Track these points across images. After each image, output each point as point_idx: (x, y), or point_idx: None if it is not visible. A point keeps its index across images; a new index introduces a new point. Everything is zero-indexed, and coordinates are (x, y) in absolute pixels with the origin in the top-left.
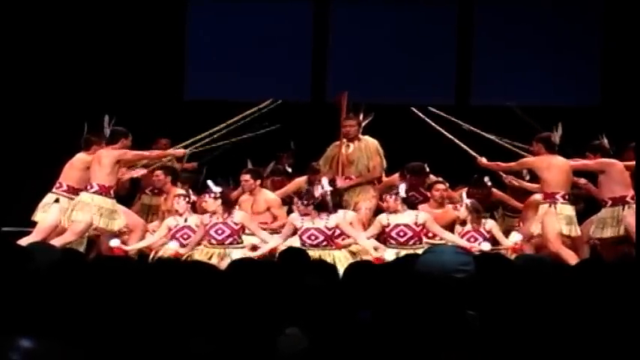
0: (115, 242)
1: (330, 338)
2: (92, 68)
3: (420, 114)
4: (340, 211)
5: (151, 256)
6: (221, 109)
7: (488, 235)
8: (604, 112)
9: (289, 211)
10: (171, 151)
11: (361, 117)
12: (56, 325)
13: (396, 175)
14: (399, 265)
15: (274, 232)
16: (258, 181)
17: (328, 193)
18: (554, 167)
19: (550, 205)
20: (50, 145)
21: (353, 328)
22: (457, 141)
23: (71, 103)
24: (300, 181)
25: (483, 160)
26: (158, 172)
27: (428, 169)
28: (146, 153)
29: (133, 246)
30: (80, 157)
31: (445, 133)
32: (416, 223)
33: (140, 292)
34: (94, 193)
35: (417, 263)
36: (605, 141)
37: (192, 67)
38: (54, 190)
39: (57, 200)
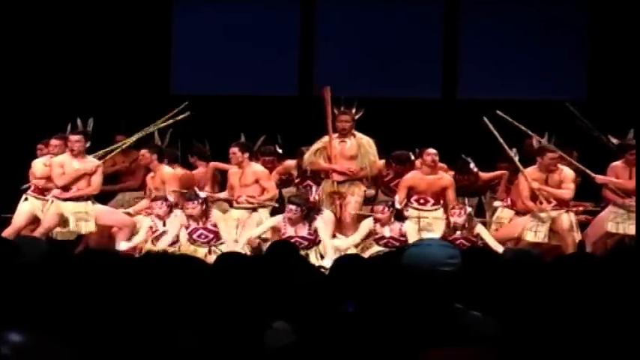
0: (124, 246)
1: (317, 331)
2: (78, 63)
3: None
4: (318, 218)
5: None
6: (207, 103)
7: (477, 241)
8: (590, 106)
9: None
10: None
11: (354, 111)
12: (44, 319)
13: (291, 161)
14: (386, 258)
15: (262, 205)
16: (247, 154)
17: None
18: None
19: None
20: (33, 139)
21: (340, 321)
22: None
23: (57, 98)
24: (290, 164)
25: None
26: (143, 150)
27: (413, 158)
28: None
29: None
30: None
31: (532, 133)
32: (401, 234)
33: (128, 285)
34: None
35: (403, 256)
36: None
37: (179, 61)
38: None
39: (26, 199)
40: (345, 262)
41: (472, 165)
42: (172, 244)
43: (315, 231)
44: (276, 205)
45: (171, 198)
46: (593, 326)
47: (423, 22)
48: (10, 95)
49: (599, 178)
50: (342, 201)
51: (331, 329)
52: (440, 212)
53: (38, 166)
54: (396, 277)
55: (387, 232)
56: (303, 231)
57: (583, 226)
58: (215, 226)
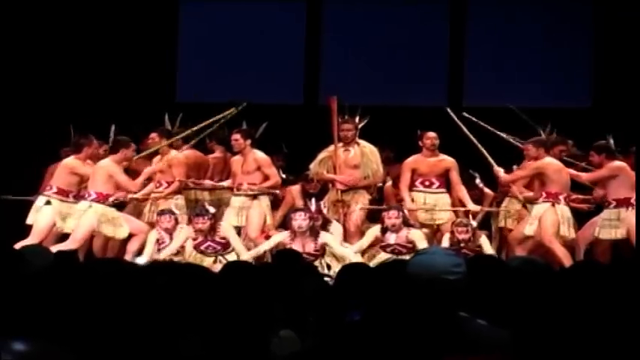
0: (141, 260)
1: (323, 340)
2: (85, 70)
3: (454, 116)
4: (323, 233)
5: None
6: (213, 111)
7: (480, 251)
8: (595, 114)
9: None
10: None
11: (357, 120)
12: (49, 328)
13: (296, 187)
14: (391, 267)
15: (263, 192)
16: (249, 141)
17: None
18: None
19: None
20: (41, 144)
21: (346, 330)
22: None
23: (63, 105)
24: (294, 189)
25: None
26: (153, 134)
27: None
28: (132, 186)
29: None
30: (70, 161)
31: (472, 138)
32: (408, 241)
33: (133, 295)
34: (92, 200)
35: (407, 265)
36: (612, 142)
37: (184, 68)
38: (45, 192)
39: (48, 202)
40: (350, 270)
41: (478, 180)
42: (176, 254)
43: (322, 247)
44: (277, 191)
45: (176, 211)
46: (600, 337)
47: (428, 30)
48: (13, 100)
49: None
50: (347, 210)
51: (337, 338)
52: (446, 196)
53: (84, 169)
54: (400, 285)
55: (392, 239)
56: (309, 246)
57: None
58: (223, 238)
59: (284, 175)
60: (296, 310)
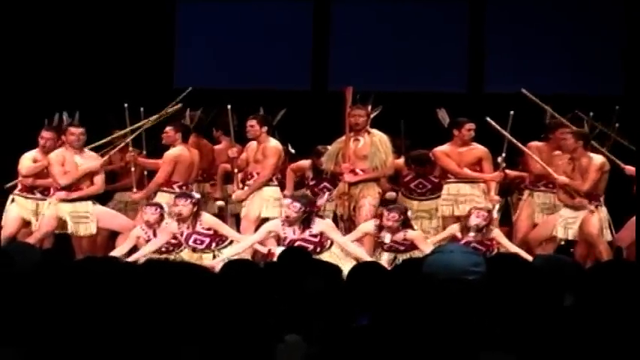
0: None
1: (330, 346)
2: (81, 57)
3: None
4: (318, 220)
5: None
6: (213, 97)
7: (491, 244)
8: (628, 101)
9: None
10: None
11: (369, 108)
12: (36, 331)
13: (306, 161)
14: (405, 267)
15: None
16: (265, 128)
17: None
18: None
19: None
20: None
21: (356, 334)
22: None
23: (61, 92)
24: (304, 164)
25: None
26: (168, 128)
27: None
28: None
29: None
30: (32, 155)
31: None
32: (404, 239)
33: (127, 297)
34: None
35: (423, 264)
36: None
37: (183, 53)
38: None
39: (13, 200)
40: (361, 270)
41: (500, 159)
42: (170, 251)
43: (321, 234)
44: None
45: (166, 207)
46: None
47: (448, 14)
48: (8, 86)
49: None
50: (354, 204)
51: (345, 343)
52: (480, 188)
53: (26, 162)
54: (415, 287)
55: (387, 239)
56: (305, 233)
57: None
58: (209, 229)
59: (293, 150)
60: (302, 313)
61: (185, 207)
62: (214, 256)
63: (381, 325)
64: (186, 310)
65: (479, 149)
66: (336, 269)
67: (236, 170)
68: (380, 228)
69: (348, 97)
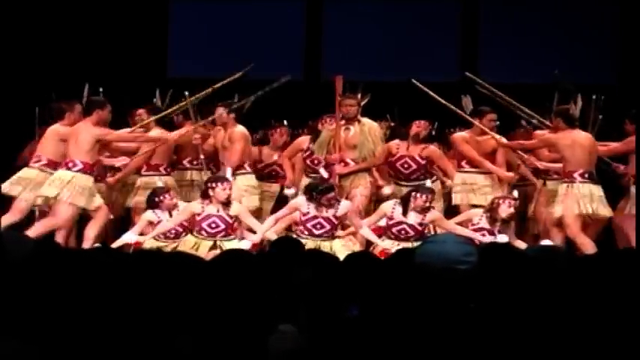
0: (131, 238)
1: (325, 335)
2: (77, 45)
3: (422, 86)
4: (344, 201)
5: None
6: (205, 86)
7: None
8: (621, 90)
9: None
10: (163, 136)
11: (359, 97)
12: (30, 322)
13: (305, 137)
14: (398, 256)
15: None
16: (232, 115)
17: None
18: (576, 144)
19: (568, 186)
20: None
21: (349, 324)
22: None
23: (55, 82)
24: (304, 139)
25: (502, 139)
26: (140, 110)
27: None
28: (130, 136)
29: (150, 235)
30: (55, 129)
31: (452, 107)
32: (421, 224)
33: (122, 287)
34: (77, 171)
35: (416, 254)
36: None
37: (176, 42)
38: (32, 164)
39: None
40: (354, 260)
41: None
42: (173, 238)
43: (341, 217)
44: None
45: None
46: (622, 330)
47: (440, 2)
48: (5, 74)
49: (503, 142)
50: (346, 195)
51: (339, 332)
52: (495, 179)
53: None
54: (407, 276)
55: (412, 218)
56: (330, 212)
57: None
58: (232, 217)
59: (285, 122)
60: (294, 302)
61: (224, 190)
62: (215, 246)
63: (371, 316)
64: (181, 300)
65: (493, 141)
66: (332, 259)
67: (202, 156)
68: (405, 211)
69: (338, 86)
